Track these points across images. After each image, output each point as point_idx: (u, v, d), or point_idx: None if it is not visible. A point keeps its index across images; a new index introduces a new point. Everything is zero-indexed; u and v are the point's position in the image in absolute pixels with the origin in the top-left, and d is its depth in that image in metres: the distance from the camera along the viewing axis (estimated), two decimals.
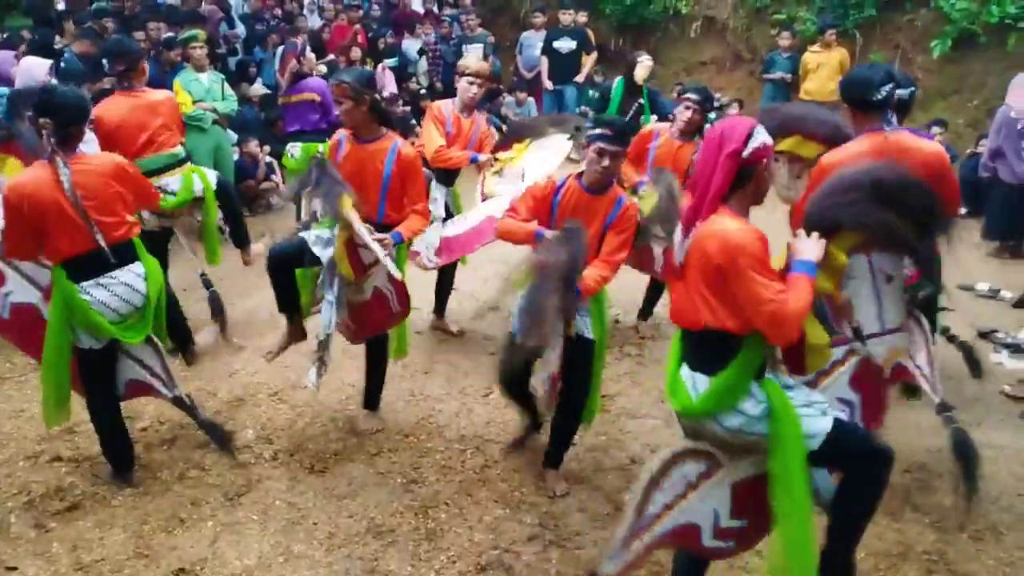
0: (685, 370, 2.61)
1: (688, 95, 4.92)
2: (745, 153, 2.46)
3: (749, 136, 2.47)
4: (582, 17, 10.12)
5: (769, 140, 2.52)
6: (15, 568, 3.20)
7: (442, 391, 4.63)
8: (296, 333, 4.05)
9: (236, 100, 7.25)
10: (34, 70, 6.27)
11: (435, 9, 11.23)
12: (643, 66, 6.28)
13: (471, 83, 4.82)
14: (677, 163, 4.74)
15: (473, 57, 5.69)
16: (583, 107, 10.15)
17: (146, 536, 3.38)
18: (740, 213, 2.50)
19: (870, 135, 3.42)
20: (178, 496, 3.65)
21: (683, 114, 4.88)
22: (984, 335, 5.31)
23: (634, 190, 4.53)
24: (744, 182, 2.49)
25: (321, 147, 4.90)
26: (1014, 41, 8.56)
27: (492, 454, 4.03)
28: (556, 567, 3.26)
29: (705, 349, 2.55)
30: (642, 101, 6.29)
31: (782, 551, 2.51)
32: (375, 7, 11.36)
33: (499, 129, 10.28)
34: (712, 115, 9.91)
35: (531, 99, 10.54)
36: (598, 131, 3.47)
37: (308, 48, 7.32)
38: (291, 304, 3.95)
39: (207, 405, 4.32)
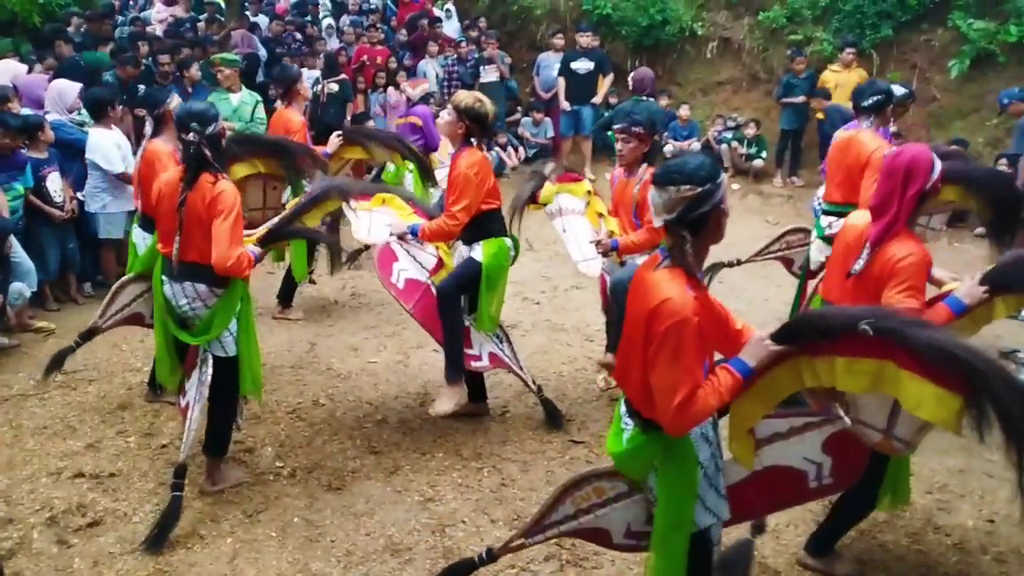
0: None
1: (616, 126, 4.30)
2: (928, 186, 2.87)
3: (931, 171, 2.86)
4: (595, 40, 10.20)
5: (940, 166, 2.91)
6: None
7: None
8: None
9: (264, 123, 7.37)
10: (65, 93, 6.45)
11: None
12: None
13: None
14: (625, 200, 4.32)
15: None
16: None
17: (166, 552, 3.41)
18: (913, 227, 2.95)
19: (851, 128, 4.57)
20: (198, 513, 3.68)
21: (617, 149, 4.31)
22: (1005, 355, 5.26)
23: None
24: (921, 205, 2.92)
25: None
26: None
27: (509, 472, 4.03)
28: None
29: None
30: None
31: None
32: (402, 32, 11.53)
33: (516, 149, 10.44)
34: (728, 135, 10.03)
35: (548, 119, 10.62)
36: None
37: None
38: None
39: None
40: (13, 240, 5.50)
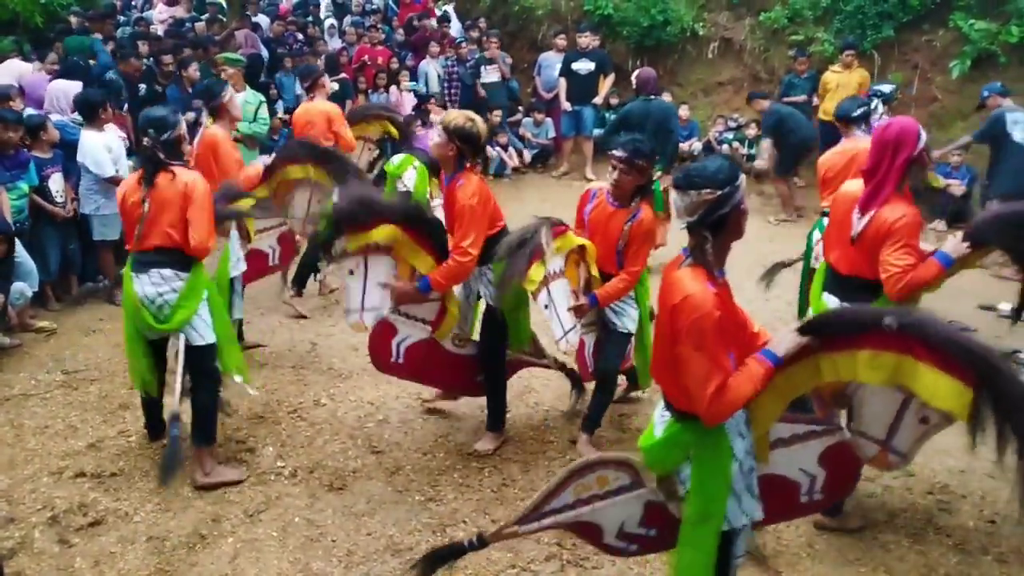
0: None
1: (613, 151, 3.88)
2: (915, 154, 3.14)
3: (918, 140, 3.14)
4: (596, 41, 10.19)
5: (926, 136, 3.21)
6: None
7: (461, 409, 4.64)
8: None
9: (267, 124, 7.41)
10: (69, 93, 6.46)
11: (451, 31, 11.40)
12: None
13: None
14: (608, 232, 3.95)
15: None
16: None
17: (167, 552, 3.42)
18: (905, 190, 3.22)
19: (848, 140, 4.67)
20: (199, 512, 3.69)
21: (611, 175, 3.91)
22: (1006, 355, 5.24)
23: None
24: (909, 172, 3.18)
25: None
26: None
27: (510, 472, 4.03)
28: None
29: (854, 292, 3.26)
30: None
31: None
32: (400, 32, 11.53)
33: (520, 153, 10.44)
34: (729, 135, 10.02)
35: (549, 120, 10.63)
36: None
37: None
38: None
39: (226, 422, 4.34)
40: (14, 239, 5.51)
